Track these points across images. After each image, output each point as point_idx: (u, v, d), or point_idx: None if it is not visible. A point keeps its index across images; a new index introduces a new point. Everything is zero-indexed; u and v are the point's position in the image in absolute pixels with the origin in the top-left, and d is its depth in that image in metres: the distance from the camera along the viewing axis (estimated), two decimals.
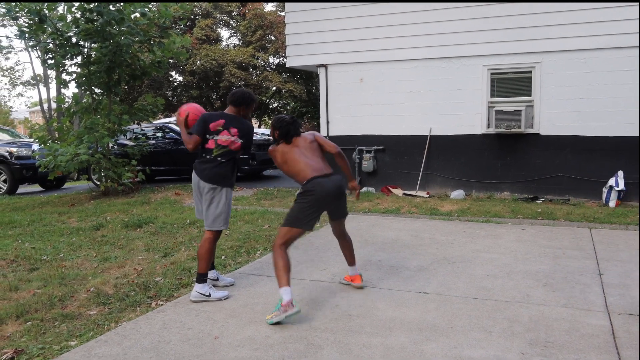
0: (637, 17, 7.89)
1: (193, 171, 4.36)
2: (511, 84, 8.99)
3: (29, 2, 9.44)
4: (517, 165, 8.97)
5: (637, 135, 8.14)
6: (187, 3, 10.63)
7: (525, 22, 8.59)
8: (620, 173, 8.12)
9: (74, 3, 9.82)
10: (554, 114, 8.64)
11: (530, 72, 8.73)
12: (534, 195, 8.76)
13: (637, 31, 7.93)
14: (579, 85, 8.46)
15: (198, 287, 4.25)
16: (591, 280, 4.56)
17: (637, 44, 7.98)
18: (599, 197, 8.38)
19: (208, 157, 4.28)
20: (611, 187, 8.07)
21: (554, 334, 3.46)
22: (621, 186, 8.01)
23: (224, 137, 4.29)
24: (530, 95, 8.76)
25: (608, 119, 8.34)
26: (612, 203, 8.05)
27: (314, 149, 4.21)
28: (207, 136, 4.28)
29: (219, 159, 4.27)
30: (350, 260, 4.51)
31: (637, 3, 7.86)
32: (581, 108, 8.48)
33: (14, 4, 9.54)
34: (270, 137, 4.76)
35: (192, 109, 4.51)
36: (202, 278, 4.28)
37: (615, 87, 8.26)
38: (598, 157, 8.45)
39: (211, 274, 4.58)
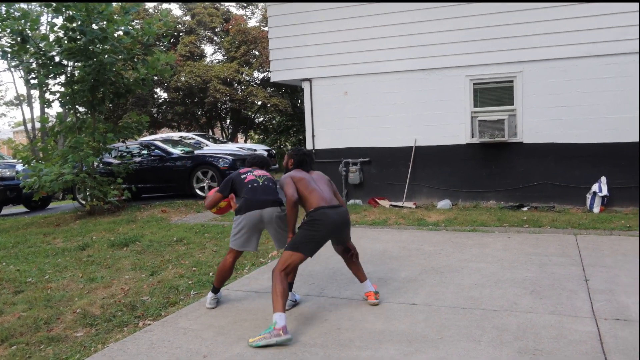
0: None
1: (252, 211, 4.26)
2: (494, 93, 9.09)
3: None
4: (501, 174, 9.05)
5: (621, 141, 8.26)
6: (171, 20, 10.61)
7: (506, 32, 8.72)
8: (603, 179, 8.22)
9: (56, 22, 9.79)
10: (536, 123, 8.75)
11: (512, 81, 8.85)
12: (519, 203, 8.83)
13: (625, 38, 8.06)
14: (560, 94, 8.59)
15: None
16: (577, 286, 4.60)
17: (623, 51, 8.11)
18: (583, 204, 8.47)
19: (256, 184, 4.35)
20: (595, 193, 8.17)
21: (542, 342, 3.48)
22: (604, 192, 8.11)
23: (258, 171, 4.52)
24: (512, 105, 8.87)
25: (589, 126, 8.46)
26: (596, 209, 8.14)
27: (326, 183, 4.35)
28: (242, 176, 4.43)
29: (266, 183, 4.41)
30: (360, 276, 4.49)
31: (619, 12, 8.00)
32: (563, 116, 8.60)
33: None
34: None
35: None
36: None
37: (595, 95, 8.39)
38: (581, 164, 8.56)
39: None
